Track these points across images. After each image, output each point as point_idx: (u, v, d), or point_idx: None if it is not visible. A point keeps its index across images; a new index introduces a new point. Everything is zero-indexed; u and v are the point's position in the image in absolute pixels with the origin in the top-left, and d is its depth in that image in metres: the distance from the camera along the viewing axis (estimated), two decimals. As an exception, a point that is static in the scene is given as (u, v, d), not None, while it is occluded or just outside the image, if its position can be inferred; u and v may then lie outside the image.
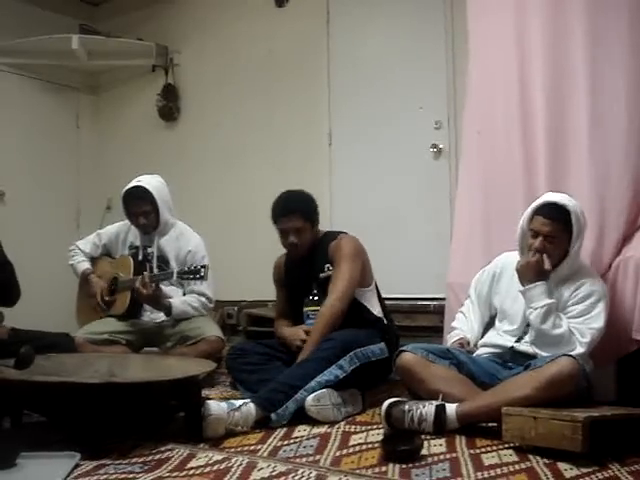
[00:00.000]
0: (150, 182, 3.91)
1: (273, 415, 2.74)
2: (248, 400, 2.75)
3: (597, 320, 2.76)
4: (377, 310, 3.36)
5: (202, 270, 3.52)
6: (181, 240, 3.99)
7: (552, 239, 2.83)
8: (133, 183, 3.90)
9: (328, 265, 3.32)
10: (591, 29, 3.14)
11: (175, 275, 3.60)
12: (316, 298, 3.30)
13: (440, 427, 2.57)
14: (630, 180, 3.07)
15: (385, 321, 3.37)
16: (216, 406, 2.58)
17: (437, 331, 3.81)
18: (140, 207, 3.87)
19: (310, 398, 2.81)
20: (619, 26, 3.09)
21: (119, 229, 4.12)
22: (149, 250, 3.99)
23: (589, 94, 3.14)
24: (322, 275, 3.34)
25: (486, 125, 3.47)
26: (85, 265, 4.06)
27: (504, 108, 3.40)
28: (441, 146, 4.45)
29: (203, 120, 5.66)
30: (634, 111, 3.07)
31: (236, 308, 5.13)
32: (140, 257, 3.97)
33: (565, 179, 3.17)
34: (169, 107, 5.77)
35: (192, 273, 3.55)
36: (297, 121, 5.16)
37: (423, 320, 4.21)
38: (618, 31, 3.10)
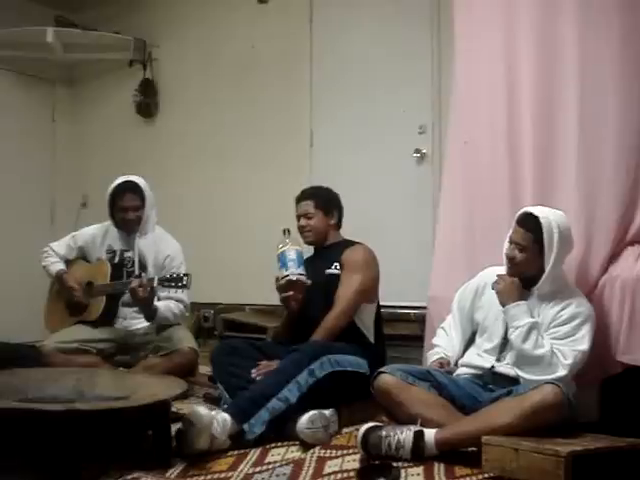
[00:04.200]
0: (138, 179, 3.90)
1: (245, 426, 2.69)
2: (221, 410, 2.71)
3: (582, 343, 2.68)
4: (369, 332, 3.32)
5: (184, 279, 3.51)
6: (160, 244, 3.93)
7: (522, 248, 2.79)
8: (122, 179, 3.88)
9: (337, 264, 3.35)
10: (582, 41, 3.05)
11: (156, 282, 3.55)
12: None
13: (418, 454, 2.48)
14: (618, 197, 2.99)
15: (374, 342, 3.32)
16: (205, 412, 2.55)
17: (417, 340, 3.74)
18: (131, 201, 3.84)
19: (304, 421, 2.75)
20: (610, 38, 3.00)
21: (96, 231, 4.02)
22: (127, 255, 3.90)
23: (578, 110, 3.04)
24: (328, 271, 3.35)
25: (472, 135, 3.38)
26: (59, 266, 3.94)
27: (490, 119, 3.31)
28: (424, 151, 4.36)
29: (182, 117, 5.54)
30: (624, 127, 2.98)
31: (212, 311, 5.04)
32: (117, 260, 3.88)
33: (552, 194, 3.08)
34: (147, 103, 5.63)
35: (174, 281, 3.52)
36: (278, 120, 5.05)
37: (404, 329, 4.15)
38: (608, 43, 3.01)
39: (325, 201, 3.50)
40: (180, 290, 3.62)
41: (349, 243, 3.47)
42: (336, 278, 3.32)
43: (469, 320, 3.06)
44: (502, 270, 2.90)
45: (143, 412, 2.42)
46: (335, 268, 3.35)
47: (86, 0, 6.01)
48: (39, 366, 3.13)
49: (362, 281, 3.28)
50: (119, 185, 3.85)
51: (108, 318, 3.82)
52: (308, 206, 3.47)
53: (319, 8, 4.85)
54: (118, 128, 5.88)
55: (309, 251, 3.54)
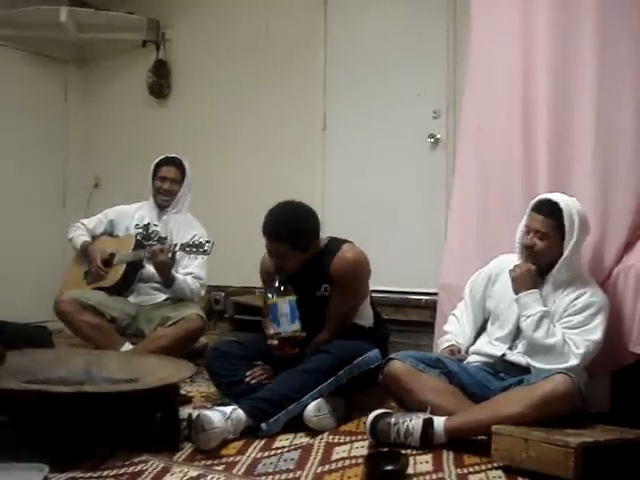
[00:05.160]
0: (183, 159, 4.12)
1: (264, 425, 2.66)
2: (236, 406, 2.65)
3: (594, 332, 2.65)
4: (368, 321, 3.18)
5: (206, 245, 3.59)
6: (188, 225, 4.06)
7: (542, 235, 2.75)
8: (169, 154, 4.12)
9: (326, 286, 3.04)
10: (600, 25, 2.98)
11: (178, 247, 3.65)
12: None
13: (427, 442, 2.49)
14: (635, 186, 2.94)
15: (375, 327, 3.22)
16: (217, 418, 2.49)
17: (428, 326, 3.73)
18: (171, 172, 4.04)
19: (311, 408, 2.73)
20: (630, 25, 2.94)
21: (129, 207, 4.17)
22: (155, 228, 4.03)
23: (596, 95, 2.99)
24: (317, 293, 3.06)
25: (486, 121, 3.33)
26: (84, 238, 4.04)
27: (505, 104, 3.25)
28: (438, 136, 4.31)
29: (194, 98, 5.49)
30: (642, 113, 2.93)
31: (223, 294, 5.03)
32: (149, 231, 4.02)
33: (567, 182, 3.03)
34: (160, 84, 5.60)
35: (196, 247, 3.62)
36: (291, 102, 5.00)
37: (414, 314, 4.13)
38: (629, 29, 2.95)
39: (302, 240, 2.97)
40: (201, 257, 3.74)
41: (334, 248, 3.05)
42: (326, 299, 3.05)
43: (481, 308, 3.03)
44: (515, 258, 2.87)
45: (152, 395, 2.41)
46: (324, 290, 3.04)
47: (100, -21, 5.99)
48: (47, 347, 3.12)
49: (355, 300, 3.08)
50: (165, 157, 4.07)
51: (124, 288, 3.90)
52: (283, 248, 2.94)
53: (334, -10, 4.79)
54: (130, 109, 5.85)
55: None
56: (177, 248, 3.65)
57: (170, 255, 3.65)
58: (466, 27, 3.62)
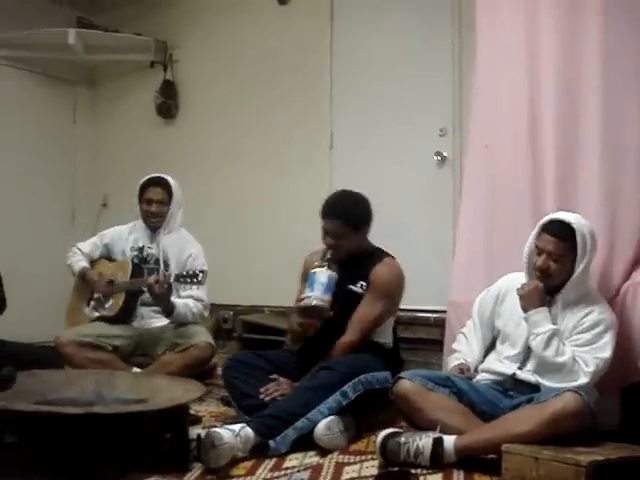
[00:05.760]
0: (170, 177, 4.05)
1: (271, 442, 2.66)
2: (244, 424, 2.65)
3: (604, 350, 2.65)
4: (387, 340, 3.24)
5: (200, 275, 3.57)
6: (183, 243, 4.01)
7: (556, 257, 2.74)
8: (154, 174, 4.05)
9: (363, 283, 3.16)
10: (606, 43, 3.01)
11: (172, 278, 3.64)
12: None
13: (437, 461, 2.48)
14: (641, 201, 2.95)
15: (392, 349, 3.27)
16: (227, 434, 2.50)
17: (437, 344, 3.72)
18: (157, 194, 3.97)
19: (321, 427, 2.72)
20: (634, 35, 2.97)
21: (123, 229, 4.14)
22: (150, 251, 3.98)
23: (602, 112, 3.01)
24: (351, 287, 3.17)
25: (493, 139, 3.35)
26: (82, 264, 4.02)
27: (512, 123, 3.27)
28: (445, 154, 4.31)
29: (202, 118, 5.53)
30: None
31: (232, 313, 5.03)
32: (139, 257, 3.97)
33: (574, 199, 3.05)
34: (167, 104, 5.63)
35: (190, 277, 3.60)
36: (298, 122, 5.02)
37: (423, 332, 4.12)
38: (632, 42, 2.98)
39: (355, 219, 3.16)
40: (195, 286, 3.71)
41: (378, 255, 3.24)
42: (357, 297, 3.15)
43: (489, 326, 3.03)
44: (523, 276, 2.87)
45: (161, 416, 2.41)
46: (360, 287, 3.16)
47: (107, 1, 6.05)
48: (57, 367, 3.13)
49: (386, 307, 3.15)
50: (149, 179, 4.01)
51: (126, 316, 3.88)
52: (337, 226, 3.11)
53: (340, 9, 4.82)
54: (139, 129, 5.89)
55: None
56: (171, 279, 3.65)
57: (166, 286, 3.64)
58: (471, 46, 3.65)
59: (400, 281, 3.23)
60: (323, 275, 3.01)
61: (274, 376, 3.08)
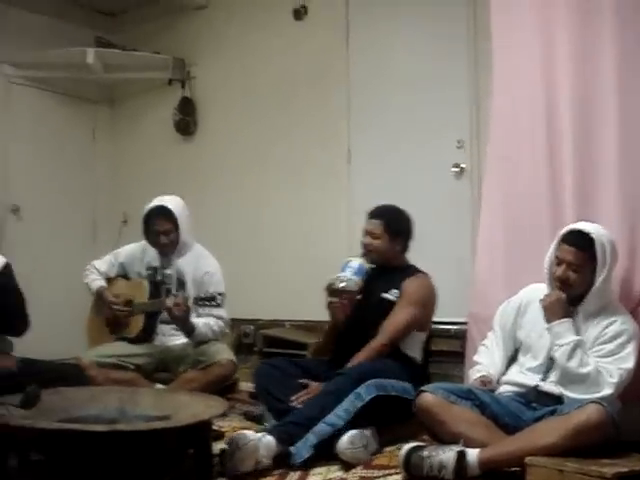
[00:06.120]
0: (171, 202, 3.92)
1: (292, 449, 2.70)
2: (266, 433, 2.70)
3: (627, 361, 2.64)
4: (416, 355, 3.32)
5: (218, 298, 3.61)
6: (199, 262, 3.97)
7: (576, 267, 2.74)
8: (155, 202, 3.91)
9: (396, 291, 3.33)
10: (623, 55, 3.01)
11: (191, 301, 3.66)
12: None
13: (461, 474, 2.47)
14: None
15: (420, 364, 3.33)
16: (250, 433, 2.60)
17: (457, 356, 3.72)
18: (162, 225, 3.88)
19: (344, 441, 2.75)
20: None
21: (136, 248, 4.09)
22: (167, 272, 3.95)
23: (619, 124, 3.00)
24: (384, 295, 3.34)
25: (510, 152, 3.35)
26: (99, 283, 4.00)
27: (530, 135, 3.27)
28: (463, 166, 4.31)
29: (220, 134, 5.56)
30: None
31: (252, 327, 5.04)
32: (159, 277, 3.95)
33: (593, 210, 3.04)
34: (186, 121, 5.67)
35: (208, 300, 3.63)
36: (316, 137, 5.03)
37: (443, 344, 4.10)
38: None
39: (394, 225, 3.43)
40: (214, 308, 3.71)
41: (413, 271, 3.44)
42: (389, 304, 3.30)
43: (511, 338, 3.02)
44: (545, 287, 2.87)
45: (185, 432, 2.42)
46: (392, 295, 3.33)
47: (126, 20, 6.13)
48: (82, 384, 3.15)
49: (416, 315, 3.28)
50: (151, 210, 3.90)
51: (147, 335, 3.88)
52: (376, 226, 3.41)
53: (356, 23, 4.83)
54: (158, 146, 5.93)
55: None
56: (190, 302, 3.66)
57: (184, 308, 3.63)
58: (488, 57, 3.65)
59: (431, 294, 3.39)
60: (355, 261, 3.31)
61: (304, 381, 3.16)
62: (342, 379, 2.97)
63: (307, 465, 2.68)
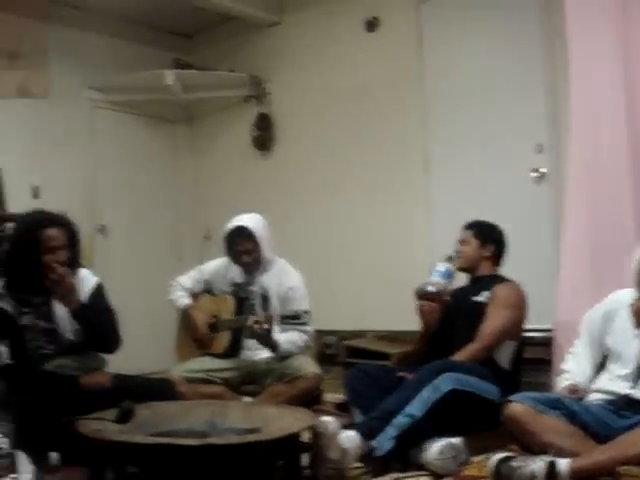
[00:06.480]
0: (251, 221, 3.93)
1: (374, 442, 2.76)
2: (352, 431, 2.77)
3: None
4: (505, 363, 3.32)
5: (304, 316, 3.67)
6: (282, 277, 3.98)
7: None
8: (235, 223, 3.93)
9: (487, 293, 3.38)
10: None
11: (276, 320, 3.69)
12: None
13: (552, 485, 2.43)
14: None
15: (509, 371, 3.31)
16: (331, 419, 2.69)
17: (543, 363, 3.68)
18: (243, 246, 3.90)
19: (434, 451, 2.76)
20: None
21: (220, 265, 4.12)
22: (251, 288, 3.99)
23: None
24: (475, 298, 3.40)
25: (592, 155, 3.31)
26: (185, 300, 4.07)
27: (610, 138, 3.23)
28: (543, 170, 4.25)
29: (298, 149, 5.64)
30: None
31: (335, 338, 5.07)
32: (243, 294, 3.98)
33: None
34: (263, 137, 5.77)
35: (293, 318, 3.67)
36: (393, 148, 5.06)
37: (528, 352, 4.02)
38: None
39: (484, 232, 3.56)
40: (300, 326, 3.75)
41: (503, 279, 3.49)
42: (481, 306, 3.33)
43: (599, 345, 2.96)
44: (632, 292, 2.81)
45: (275, 444, 2.46)
46: (483, 296, 3.38)
47: (201, 41, 6.29)
48: (173, 399, 3.22)
49: (510, 318, 3.29)
50: (230, 232, 3.92)
51: (234, 350, 3.92)
52: (467, 234, 3.56)
53: (428, 32, 4.84)
54: (236, 162, 6.04)
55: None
56: (276, 321, 3.68)
57: (266, 326, 3.62)
58: (563, 57, 3.63)
59: (523, 301, 3.40)
60: (442, 266, 3.42)
61: (402, 373, 3.20)
62: (422, 372, 3.00)
63: (393, 470, 2.74)
